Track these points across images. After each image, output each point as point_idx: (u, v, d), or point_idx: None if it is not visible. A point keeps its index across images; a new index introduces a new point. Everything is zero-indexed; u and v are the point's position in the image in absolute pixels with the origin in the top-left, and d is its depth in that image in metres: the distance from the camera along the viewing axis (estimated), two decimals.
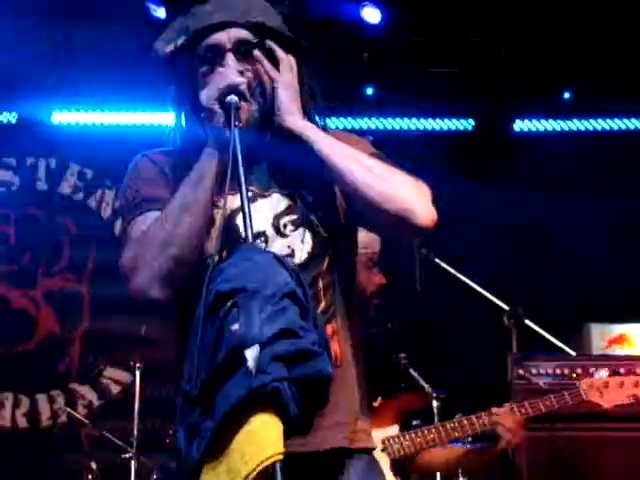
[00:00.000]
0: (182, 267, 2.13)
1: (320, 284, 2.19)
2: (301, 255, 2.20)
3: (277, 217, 2.24)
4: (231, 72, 2.22)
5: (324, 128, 2.35)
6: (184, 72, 2.33)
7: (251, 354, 1.77)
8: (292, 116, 2.23)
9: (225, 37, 2.27)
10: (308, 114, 2.32)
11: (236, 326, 1.80)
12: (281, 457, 1.75)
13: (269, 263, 1.92)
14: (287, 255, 2.16)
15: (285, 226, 2.23)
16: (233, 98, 2.14)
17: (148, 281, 2.13)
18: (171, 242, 2.12)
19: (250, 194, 2.13)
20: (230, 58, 2.26)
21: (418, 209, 2.16)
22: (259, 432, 1.78)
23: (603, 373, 4.24)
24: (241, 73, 2.25)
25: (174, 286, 2.16)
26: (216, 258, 2.04)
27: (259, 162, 2.26)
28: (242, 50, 2.27)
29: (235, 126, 2.08)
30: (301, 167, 2.26)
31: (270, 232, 2.22)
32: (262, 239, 2.20)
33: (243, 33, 2.28)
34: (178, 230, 2.13)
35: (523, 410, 4.04)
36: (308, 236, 2.22)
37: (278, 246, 2.18)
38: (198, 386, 1.82)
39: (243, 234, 2.05)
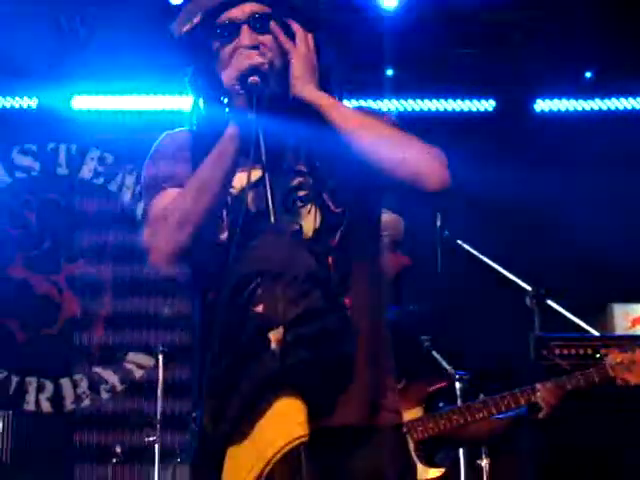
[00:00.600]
0: (198, 245, 2.16)
1: (329, 259, 2.15)
2: (308, 231, 2.17)
3: (287, 193, 2.22)
4: (253, 52, 2.20)
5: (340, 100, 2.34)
6: (201, 52, 2.32)
7: (275, 336, 1.77)
8: (307, 85, 2.22)
9: (240, 12, 2.27)
10: (325, 88, 2.31)
11: (260, 307, 1.80)
12: (306, 439, 1.75)
13: (292, 245, 1.91)
14: (295, 231, 2.13)
15: (294, 202, 2.21)
16: (255, 79, 2.12)
17: (166, 257, 2.17)
18: (188, 220, 2.14)
19: (261, 171, 2.15)
20: (245, 32, 2.25)
21: (429, 172, 2.15)
22: (284, 413, 1.78)
23: (629, 349, 4.20)
24: (256, 48, 2.23)
25: (190, 263, 2.22)
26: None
27: (274, 138, 2.22)
28: (257, 23, 2.27)
29: (257, 108, 2.05)
30: (316, 141, 2.26)
31: (279, 209, 2.19)
32: (271, 216, 2.17)
33: (258, 7, 2.27)
34: (196, 208, 2.14)
35: (550, 387, 4.02)
36: (317, 212, 2.18)
37: (286, 222, 2.16)
38: (223, 367, 1.82)
39: (252, 210, 2.12)
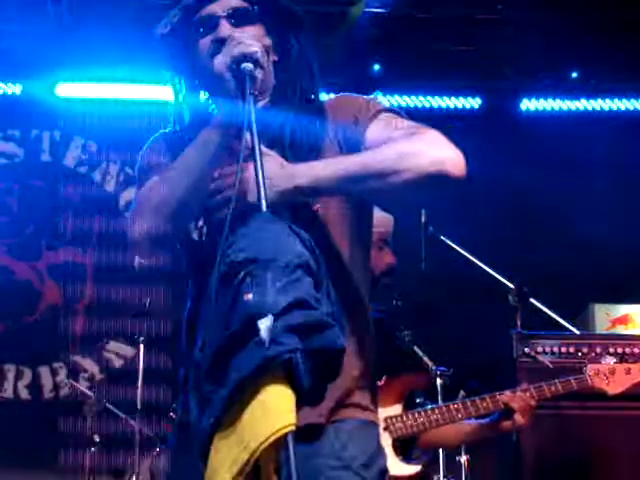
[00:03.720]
0: (173, 229, 2.18)
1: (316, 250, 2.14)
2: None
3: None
4: (247, 39, 2.18)
5: (323, 104, 2.36)
6: (182, 49, 2.34)
7: (264, 324, 1.75)
8: (282, 185, 2.10)
9: (219, 6, 2.29)
10: (307, 93, 2.34)
11: (250, 296, 1.78)
12: (293, 428, 1.74)
13: (283, 233, 1.89)
14: (284, 220, 2.11)
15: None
16: (248, 66, 2.10)
17: (140, 236, 2.19)
18: (166, 203, 2.16)
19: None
20: (224, 25, 2.26)
21: (449, 166, 2.13)
22: (271, 403, 1.76)
23: (609, 359, 4.24)
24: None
25: (162, 246, 2.23)
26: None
27: (261, 132, 2.14)
28: (236, 17, 2.28)
29: (251, 94, 2.03)
30: (306, 137, 2.26)
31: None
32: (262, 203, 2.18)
33: (236, 1, 2.30)
34: (175, 192, 2.15)
35: (528, 394, 4.04)
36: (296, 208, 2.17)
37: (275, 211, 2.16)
38: (211, 355, 1.81)
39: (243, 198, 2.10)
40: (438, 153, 2.14)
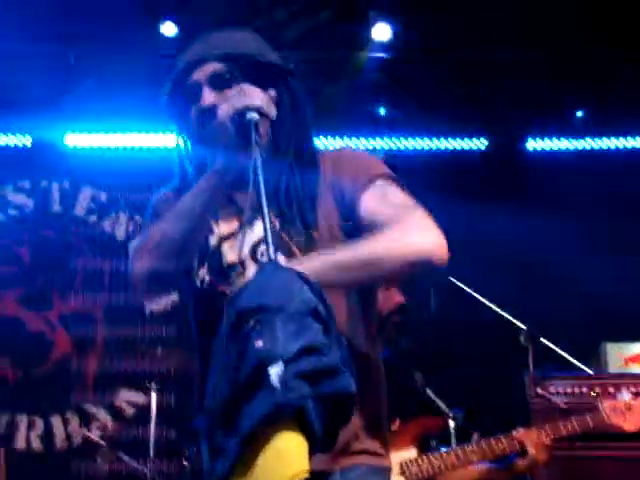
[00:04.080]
0: (169, 270, 2.23)
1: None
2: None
3: (255, 245, 2.29)
4: (255, 91, 2.21)
5: (316, 154, 2.39)
6: (181, 114, 2.40)
7: (275, 371, 1.75)
8: None
9: (201, 73, 2.34)
10: (300, 144, 2.37)
11: (260, 343, 1.79)
12: (307, 474, 1.74)
13: (291, 280, 1.90)
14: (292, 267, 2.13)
15: (262, 254, 2.27)
16: (254, 116, 2.12)
17: (138, 276, 2.25)
18: (163, 243, 2.22)
19: (237, 223, 2.25)
20: (206, 92, 2.32)
21: (434, 256, 2.17)
22: (284, 449, 1.76)
23: (625, 395, 4.21)
24: (215, 107, 2.26)
25: (160, 286, 2.32)
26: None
27: (247, 186, 2.12)
28: (216, 82, 2.32)
29: (256, 143, 2.06)
30: (301, 191, 2.31)
31: (247, 261, 2.27)
32: (240, 269, 2.25)
33: (218, 66, 2.33)
34: (171, 234, 2.22)
35: (543, 432, 4.01)
36: (283, 262, 2.16)
37: (252, 273, 2.21)
38: (222, 403, 1.81)
39: (225, 262, 2.25)
40: (424, 243, 2.18)
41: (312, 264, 2.11)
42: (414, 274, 2.23)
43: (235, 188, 2.22)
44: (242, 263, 2.18)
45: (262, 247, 2.27)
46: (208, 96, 2.31)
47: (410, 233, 2.19)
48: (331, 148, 2.51)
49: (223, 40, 2.37)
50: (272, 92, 2.33)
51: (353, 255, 2.16)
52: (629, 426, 4.09)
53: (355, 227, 2.30)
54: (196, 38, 2.43)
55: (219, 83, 2.32)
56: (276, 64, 2.39)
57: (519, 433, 4.00)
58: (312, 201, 2.30)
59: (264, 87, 2.31)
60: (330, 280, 2.10)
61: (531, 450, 3.95)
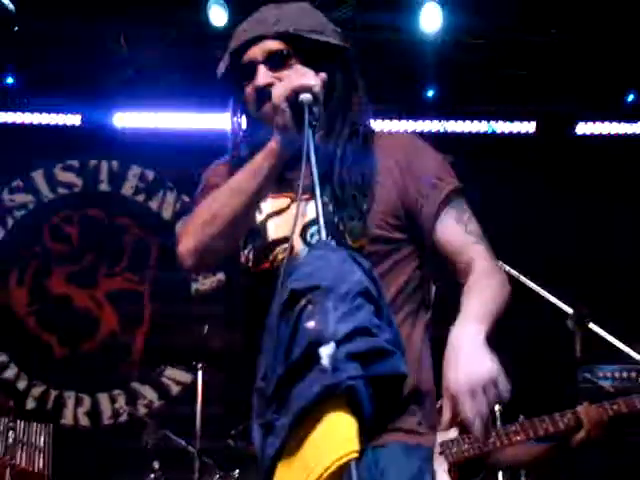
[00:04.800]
0: (218, 248, 2.24)
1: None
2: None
3: (306, 226, 2.28)
4: (309, 72, 2.20)
5: (371, 135, 2.39)
6: (235, 90, 2.40)
7: (326, 352, 1.76)
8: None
9: (258, 50, 2.32)
10: (356, 126, 2.36)
11: (311, 323, 1.79)
12: (356, 455, 1.74)
13: (343, 261, 1.90)
14: (343, 248, 2.13)
15: (312, 236, 2.27)
16: (307, 97, 2.11)
17: (186, 252, 2.25)
18: (213, 222, 2.22)
19: (288, 199, 2.24)
20: (261, 71, 2.31)
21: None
22: (334, 430, 1.77)
23: None
24: (270, 86, 2.25)
25: (207, 263, 2.32)
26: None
27: (299, 166, 2.12)
28: (273, 61, 2.31)
29: (311, 125, 2.05)
30: (354, 174, 2.29)
31: (296, 240, 2.24)
32: (285, 246, 2.23)
33: (273, 44, 2.32)
34: (223, 211, 2.21)
35: (602, 409, 3.96)
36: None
37: (300, 253, 2.19)
38: (273, 383, 1.82)
39: (270, 238, 2.27)
40: (507, 282, 2.34)
41: (477, 317, 2.16)
42: None
43: (288, 168, 2.21)
44: (289, 241, 2.17)
45: (313, 228, 2.26)
46: (264, 75, 2.31)
47: (501, 271, 2.33)
48: (385, 130, 2.46)
49: (280, 16, 2.35)
50: (324, 74, 2.30)
51: (497, 308, 2.23)
52: None
53: (417, 233, 2.33)
54: (252, 12, 2.40)
55: (275, 62, 2.31)
56: (333, 44, 2.36)
57: (577, 409, 3.96)
58: (367, 186, 2.29)
59: (320, 66, 2.28)
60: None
61: (587, 426, 3.91)
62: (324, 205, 2.02)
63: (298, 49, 2.32)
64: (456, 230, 2.31)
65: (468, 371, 2.01)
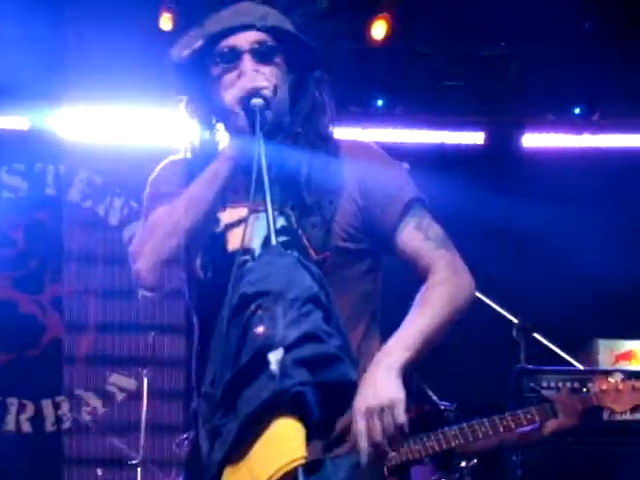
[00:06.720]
0: (179, 260, 2.22)
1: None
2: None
3: (267, 236, 2.20)
4: (257, 75, 2.20)
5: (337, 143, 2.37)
6: (199, 76, 2.32)
7: (275, 357, 1.76)
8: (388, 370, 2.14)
9: (242, 39, 2.27)
10: (323, 131, 2.35)
11: (260, 329, 1.79)
12: (303, 461, 1.75)
13: (293, 267, 1.91)
14: (293, 254, 2.10)
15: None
16: (259, 101, 2.12)
17: (147, 267, 2.20)
18: (174, 234, 2.18)
19: (246, 210, 2.11)
20: (247, 59, 2.25)
21: (473, 295, 2.33)
22: (281, 436, 1.77)
23: (617, 376, 4.25)
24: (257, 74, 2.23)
25: (164, 280, 2.27)
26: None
27: (277, 170, 2.17)
28: (259, 53, 2.27)
29: (261, 130, 2.05)
30: (322, 179, 2.27)
31: (258, 252, 2.20)
32: (249, 257, 2.19)
33: (260, 36, 2.28)
34: (182, 224, 2.18)
35: (577, 398, 4.08)
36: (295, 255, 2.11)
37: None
38: (221, 388, 1.82)
39: (229, 249, 2.22)
40: (468, 286, 2.33)
41: (404, 342, 2.16)
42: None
43: (244, 174, 2.14)
44: (248, 251, 2.16)
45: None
46: (250, 64, 2.25)
47: (462, 275, 2.32)
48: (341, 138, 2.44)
49: (267, 13, 2.32)
50: (299, 73, 2.30)
51: (432, 322, 2.21)
52: (619, 407, 4.17)
53: (379, 243, 2.33)
54: (225, 6, 2.36)
55: (261, 55, 2.26)
56: (312, 46, 2.34)
57: (550, 396, 4.08)
58: (332, 194, 2.27)
59: (295, 67, 2.29)
60: (424, 351, 2.19)
61: (561, 414, 4.02)
62: (287, 215, 2.08)
63: (281, 47, 2.30)
64: (416, 237, 2.30)
65: (370, 394, 2.06)
